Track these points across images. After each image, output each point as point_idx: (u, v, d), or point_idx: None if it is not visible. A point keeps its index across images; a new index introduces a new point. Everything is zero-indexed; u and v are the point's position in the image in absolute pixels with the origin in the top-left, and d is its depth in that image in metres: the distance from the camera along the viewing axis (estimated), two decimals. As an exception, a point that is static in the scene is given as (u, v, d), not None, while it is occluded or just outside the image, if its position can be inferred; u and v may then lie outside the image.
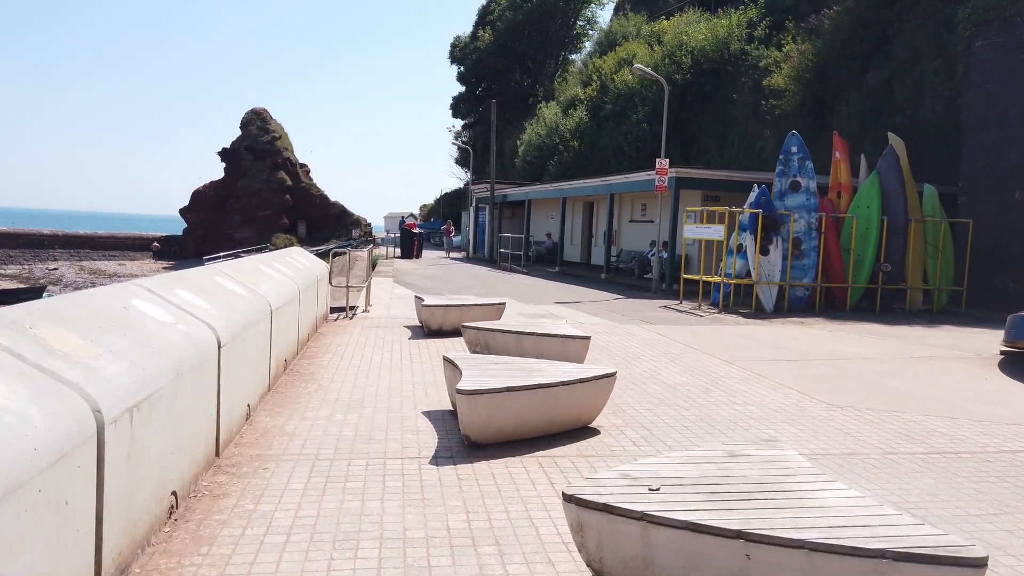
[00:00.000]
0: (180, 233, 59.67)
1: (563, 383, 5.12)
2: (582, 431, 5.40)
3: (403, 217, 53.97)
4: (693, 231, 15.16)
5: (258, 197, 54.84)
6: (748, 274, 15.25)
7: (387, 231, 48.84)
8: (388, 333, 10.06)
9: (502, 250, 26.41)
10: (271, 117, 58.30)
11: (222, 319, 4.70)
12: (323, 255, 40.94)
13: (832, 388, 7.35)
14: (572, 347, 7.44)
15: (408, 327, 10.69)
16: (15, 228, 56.84)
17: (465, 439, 4.94)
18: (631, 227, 23.25)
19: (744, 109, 31.92)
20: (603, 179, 21.20)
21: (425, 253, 35.45)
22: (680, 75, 33.99)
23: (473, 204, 36.05)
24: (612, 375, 5.50)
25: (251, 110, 58.10)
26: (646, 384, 7.23)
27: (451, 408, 5.91)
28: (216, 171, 61.50)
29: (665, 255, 19.73)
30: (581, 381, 5.24)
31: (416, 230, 32.18)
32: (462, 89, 61.40)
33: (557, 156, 38.70)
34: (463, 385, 4.88)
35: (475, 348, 7.79)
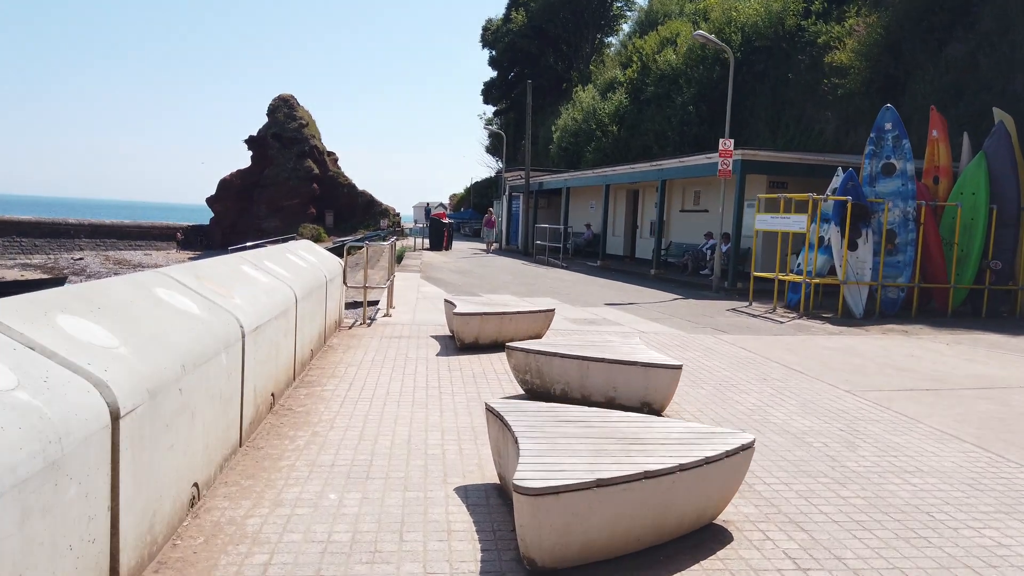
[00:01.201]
0: (207, 223, 58.68)
1: (681, 467, 3.19)
2: (704, 536, 3.47)
3: (427, 206, 52.17)
4: (767, 222, 13.06)
5: (285, 186, 53.51)
6: (831, 272, 13.14)
7: (415, 221, 47.13)
8: (412, 346, 8.20)
9: (538, 242, 24.44)
10: (298, 104, 56.88)
11: (127, 368, 2.85)
12: (339, 249, 39.53)
13: (1019, 438, 5.32)
14: (658, 379, 5.51)
15: (436, 337, 8.83)
16: (40, 217, 56.22)
17: (528, 563, 3.04)
18: (682, 217, 21.14)
19: (800, 89, 29.46)
20: (653, 163, 19.12)
21: (456, 244, 33.64)
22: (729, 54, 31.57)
23: (506, 193, 34.10)
24: (750, 446, 3.56)
25: (278, 96, 56.72)
26: (762, 432, 5.26)
27: (496, 482, 4.02)
28: (244, 160, 60.40)
29: (725, 248, 17.62)
30: (709, 461, 3.30)
31: (446, 220, 30.34)
32: (494, 74, 59.41)
33: (595, 142, 36.57)
34: (525, 478, 2.97)
35: (524, 376, 5.90)
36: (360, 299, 10.05)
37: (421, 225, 33.23)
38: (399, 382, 6.45)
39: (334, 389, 6.10)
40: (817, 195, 12.29)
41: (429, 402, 5.78)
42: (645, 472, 3.07)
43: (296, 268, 7.10)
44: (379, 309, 11.16)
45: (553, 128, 41.58)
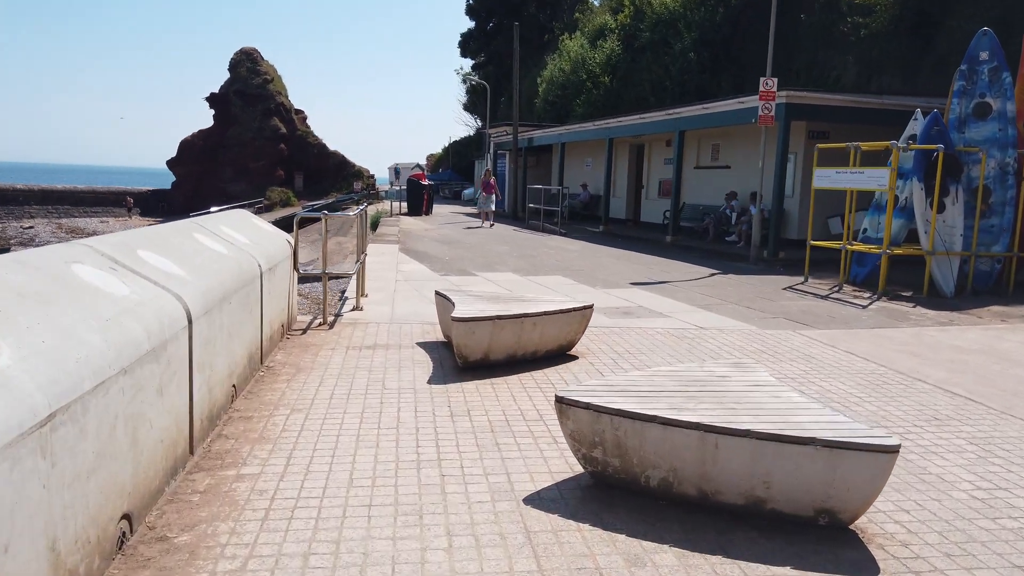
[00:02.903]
0: (169, 187, 55.03)
1: None
2: None
3: (396, 167, 48.68)
4: (830, 178, 10.52)
5: (250, 147, 50.02)
6: (908, 239, 10.71)
7: (391, 183, 43.97)
8: (391, 365, 5.62)
9: (530, 205, 21.74)
10: (262, 58, 53.06)
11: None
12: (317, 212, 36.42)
13: None
14: (852, 471, 2.98)
15: (424, 346, 6.26)
16: (-13, 183, 52.24)
17: None
18: (697, 175, 18.53)
19: (813, 32, 26.76)
20: (668, 111, 16.41)
21: (436, 208, 30.83)
22: (734, -7, 28.75)
23: (491, 151, 31.22)
24: None
25: (240, 50, 52.82)
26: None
27: None
28: (206, 119, 56.58)
29: (754, 211, 15.10)
30: None
31: (425, 182, 27.48)
32: (471, 25, 55.82)
33: (585, 94, 33.66)
34: None
35: (590, 452, 3.36)
36: (329, 272, 7.38)
37: (398, 188, 30.26)
38: (371, 450, 3.86)
39: (257, 475, 3.51)
40: (900, 145, 9.76)
41: (425, 510, 3.20)
42: None
43: (202, 259, 4.44)
44: (346, 299, 8.53)
45: (539, 80, 38.51)
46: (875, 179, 9.83)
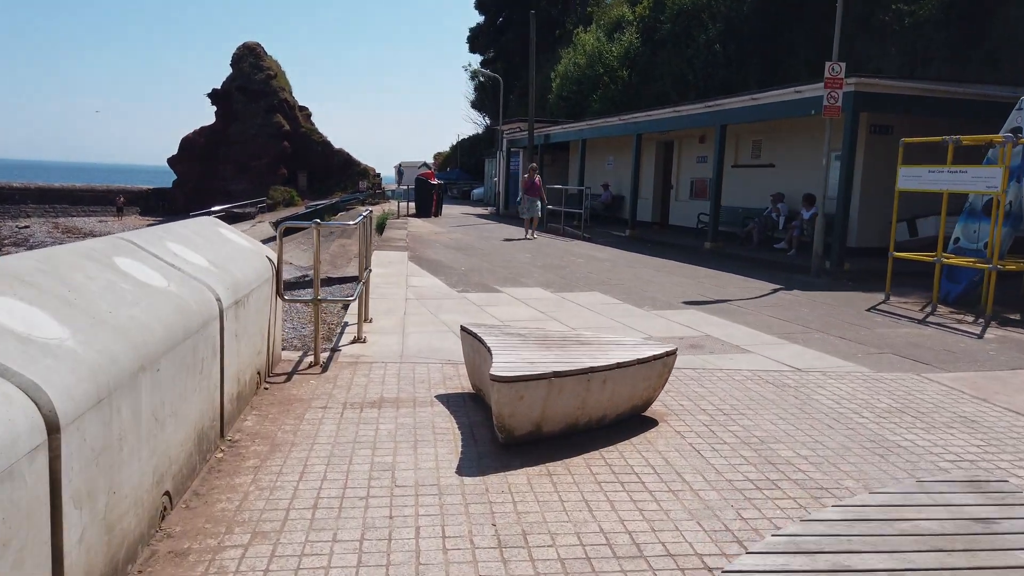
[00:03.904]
0: (170, 186, 53.58)
1: None
2: None
3: (400, 167, 46.91)
4: (921, 178, 8.86)
5: (252, 144, 48.50)
6: (1012, 250, 9.06)
7: (398, 183, 42.36)
8: (403, 438, 4.02)
9: (549, 206, 20.07)
10: (265, 53, 51.56)
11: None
12: (319, 214, 34.47)
13: None
14: None
15: (445, 399, 4.68)
16: (-18, 181, 50.89)
17: None
18: (735, 174, 16.86)
19: (850, 22, 25.05)
20: (708, 103, 14.72)
21: (445, 209, 29.22)
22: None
23: (503, 149, 29.60)
24: None
25: (242, 45, 51.33)
26: None
27: None
28: (208, 116, 55.12)
29: (808, 215, 13.47)
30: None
31: (434, 181, 25.87)
32: (480, 19, 54.26)
33: (602, 89, 32.02)
34: None
35: None
36: (346, 276, 5.78)
37: (405, 187, 28.62)
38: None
39: None
40: (1008, 136, 8.11)
41: None
42: None
43: (111, 302, 2.85)
44: (346, 325, 6.94)
45: (552, 75, 36.85)
46: (983, 179, 8.17)
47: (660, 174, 20.59)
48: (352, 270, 16.39)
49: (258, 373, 4.80)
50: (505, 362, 3.97)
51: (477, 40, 55.03)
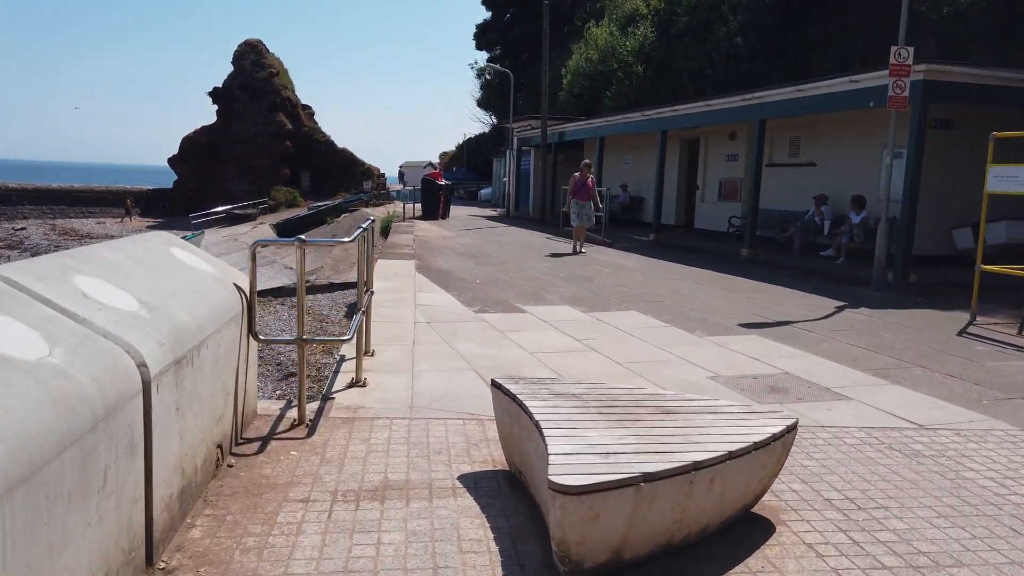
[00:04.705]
0: (171, 186, 52.41)
1: None
2: None
3: (401, 169, 45.53)
4: (1019, 179, 7.55)
5: (253, 143, 47.30)
6: None
7: (404, 184, 41.06)
8: (415, 566, 2.74)
9: (564, 209, 18.74)
10: (267, 50, 50.39)
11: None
12: (321, 215, 33.04)
13: None
14: None
15: (473, 485, 3.41)
16: (-23, 182, 49.75)
17: None
18: (768, 174, 15.50)
19: (878, 15, 23.72)
20: (746, 96, 13.33)
21: (452, 210, 27.96)
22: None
23: (514, 147, 28.30)
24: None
25: (244, 42, 50.16)
26: None
27: None
28: (209, 115, 54.03)
29: (858, 219, 12.17)
30: None
31: (442, 182, 24.60)
32: (487, 15, 52.99)
33: (616, 85, 30.70)
34: None
35: None
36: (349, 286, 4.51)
37: (411, 188, 27.32)
38: None
39: None
40: None
41: None
42: None
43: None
44: (343, 357, 5.67)
45: (563, 71, 35.54)
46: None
47: (684, 174, 19.26)
48: (356, 274, 15.15)
49: (218, 447, 3.54)
50: (566, 453, 2.69)
51: (484, 37, 53.77)
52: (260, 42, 50.51)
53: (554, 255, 13.74)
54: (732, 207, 16.66)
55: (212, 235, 35.38)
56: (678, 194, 19.35)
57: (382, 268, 10.87)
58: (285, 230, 31.70)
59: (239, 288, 4.04)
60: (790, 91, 12.25)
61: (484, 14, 53.25)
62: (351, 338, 4.49)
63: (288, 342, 5.53)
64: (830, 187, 13.50)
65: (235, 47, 51.09)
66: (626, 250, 14.87)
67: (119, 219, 47.74)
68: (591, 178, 14.34)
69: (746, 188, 15.20)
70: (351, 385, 5.00)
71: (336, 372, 5.30)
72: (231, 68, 50.13)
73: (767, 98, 12.86)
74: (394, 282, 9.63)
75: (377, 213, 27.44)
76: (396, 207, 28.92)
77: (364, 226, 5.28)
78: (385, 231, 18.53)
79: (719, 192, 17.57)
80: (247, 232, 35.69)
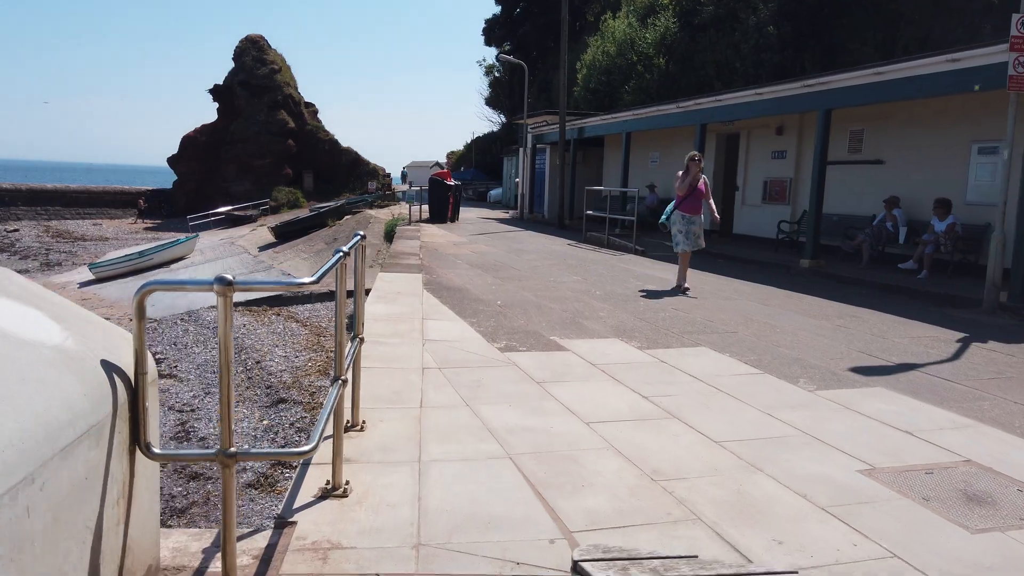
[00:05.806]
0: (170, 187, 50.82)
1: None
2: None
3: (403, 171, 43.78)
4: None
5: (255, 142, 45.64)
6: None
7: (409, 184, 39.27)
8: None
9: (588, 212, 16.92)
10: (269, 46, 48.75)
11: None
12: (323, 218, 31.27)
13: None
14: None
15: None
16: (-30, 182, 48.23)
17: None
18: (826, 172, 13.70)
19: (921, 2, 21.84)
20: (807, 82, 11.35)
21: (461, 212, 26.18)
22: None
23: (528, 145, 26.50)
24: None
25: (245, 37, 48.53)
26: None
27: None
28: (210, 113, 52.48)
29: (943, 226, 10.33)
30: None
31: (450, 182, 22.82)
32: (497, 10, 51.19)
33: (635, 80, 28.88)
34: None
35: None
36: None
37: (417, 188, 25.54)
38: None
39: None
40: None
41: None
42: None
43: None
44: (319, 440, 3.86)
45: (578, 65, 33.72)
46: None
47: (721, 173, 17.40)
48: (363, 278, 13.44)
49: None
50: None
51: (493, 32, 51.96)
52: (262, 38, 48.87)
53: (644, 291, 9.40)
54: (779, 210, 14.80)
55: (208, 238, 33.74)
56: (714, 195, 17.48)
57: (383, 285, 9.09)
58: (285, 232, 30.01)
59: (113, 370, 2.26)
60: (867, 74, 10.39)
61: (494, 8, 51.51)
62: (313, 448, 2.69)
63: (205, 457, 3.37)
64: (900, 188, 11.66)
65: (236, 43, 49.49)
66: (663, 260, 13.05)
67: (118, 220, 46.20)
68: (704, 179, 9.95)
69: (798, 189, 13.34)
70: (324, 495, 3.22)
71: (304, 472, 3.51)
72: (232, 64, 48.51)
73: (835, 83, 10.99)
74: (397, 305, 7.84)
75: (382, 215, 25.69)
76: (402, 209, 27.20)
77: (357, 239, 3.50)
78: (389, 236, 16.78)
79: (764, 193, 15.71)
80: (245, 235, 34.01)
